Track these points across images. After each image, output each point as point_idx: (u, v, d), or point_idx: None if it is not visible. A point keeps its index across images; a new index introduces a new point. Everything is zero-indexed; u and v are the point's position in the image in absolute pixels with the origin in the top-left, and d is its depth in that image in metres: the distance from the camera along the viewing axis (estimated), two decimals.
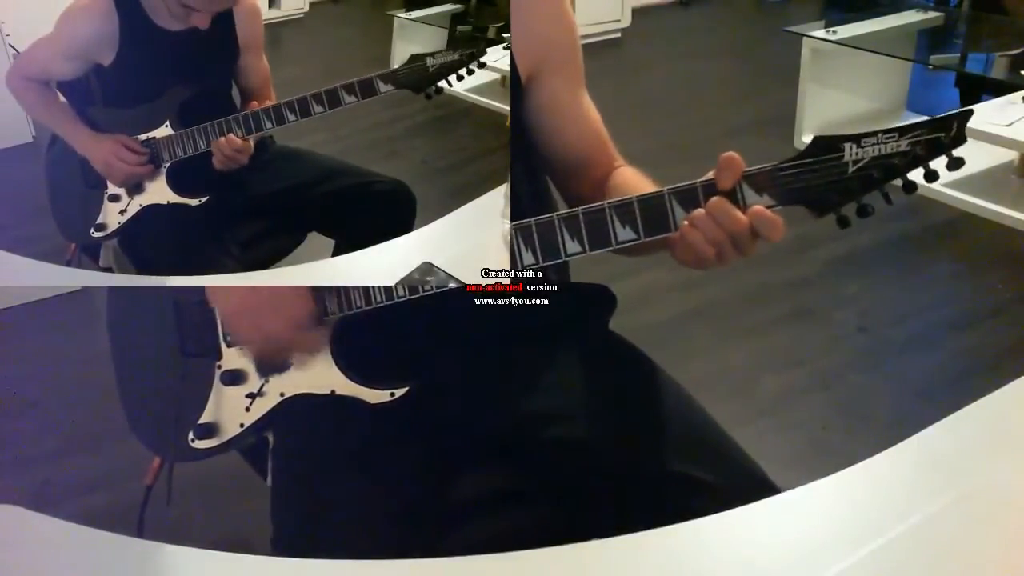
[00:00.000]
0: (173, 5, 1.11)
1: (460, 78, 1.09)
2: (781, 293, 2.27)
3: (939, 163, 0.68)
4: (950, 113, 0.67)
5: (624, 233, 0.75)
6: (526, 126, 0.96)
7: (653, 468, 0.86)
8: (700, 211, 0.72)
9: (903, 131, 0.67)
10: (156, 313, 0.98)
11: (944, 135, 0.66)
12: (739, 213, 0.71)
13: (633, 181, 0.94)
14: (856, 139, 0.68)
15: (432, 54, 1.08)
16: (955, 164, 0.67)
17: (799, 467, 1.61)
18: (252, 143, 1.18)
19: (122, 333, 1.03)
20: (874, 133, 0.67)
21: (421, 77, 1.09)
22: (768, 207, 0.71)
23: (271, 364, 0.91)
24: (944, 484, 0.72)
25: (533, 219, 0.76)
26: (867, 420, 1.81)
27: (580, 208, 0.76)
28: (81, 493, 1.69)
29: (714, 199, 0.71)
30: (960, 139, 0.67)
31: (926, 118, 0.68)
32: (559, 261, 0.77)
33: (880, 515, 0.69)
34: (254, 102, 1.21)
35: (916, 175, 0.68)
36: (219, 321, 0.94)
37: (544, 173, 1.00)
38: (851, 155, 0.68)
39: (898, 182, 0.69)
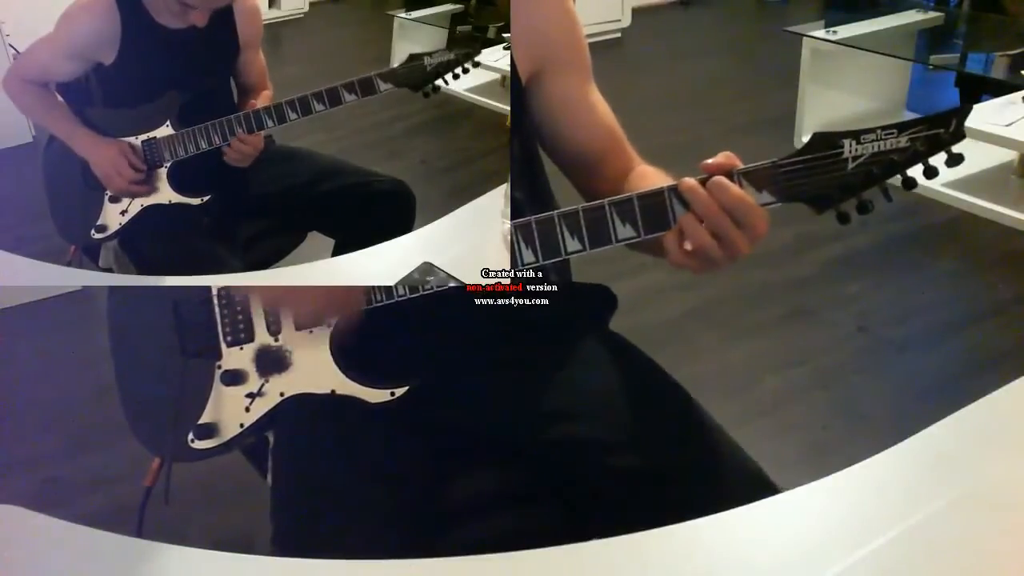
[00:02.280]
0: (172, 3, 1.10)
1: (456, 76, 1.10)
2: (781, 293, 2.27)
3: (938, 160, 0.68)
4: (949, 109, 0.67)
5: (624, 231, 0.75)
6: (537, 125, 0.96)
7: (653, 468, 0.86)
8: (702, 191, 0.71)
9: (902, 127, 0.67)
10: (158, 313, 0.98)
11: (943, 131, 0.67)
12: (737, 190, 0.71)
13: (653, 180, 0.93)
14: (855, 135, 0.68)
15: (430, 53, 1.09)
16: (954, 160, 0.67)
17: (799, 467, 1.61)
18: (261, 138, 1.19)
19: (123, 333, 1.03)
20: (873, 129, 0.68)
21: (419, 76, 1.10)
22: (768, 204, 0.71)
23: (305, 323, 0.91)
24: (944, 484, 0.71)
25: (533, 217, 0.76)
26: (867, 420, 1.81)
27: (580, 206, 0.75)
28: (81, 493, 1.70)
29: (715, 178, 0.71)
30: (959, 135, 0.67)
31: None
32: (559, 259, 0.77)
33: (880, 515, 0.69)
34: (252, 100, 1.21)
35: (916, 171, 0.68)
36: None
37: (545, 175, 1.00)
38: (850, 151, 0.68)
39: (898, 178, 0.69)
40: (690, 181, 0.72)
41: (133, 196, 1.21)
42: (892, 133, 0.67)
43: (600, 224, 0.75)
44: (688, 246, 0.73)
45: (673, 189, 0.73)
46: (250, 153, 1.18)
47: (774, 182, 0.71)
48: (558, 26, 0.95)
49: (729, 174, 0.71)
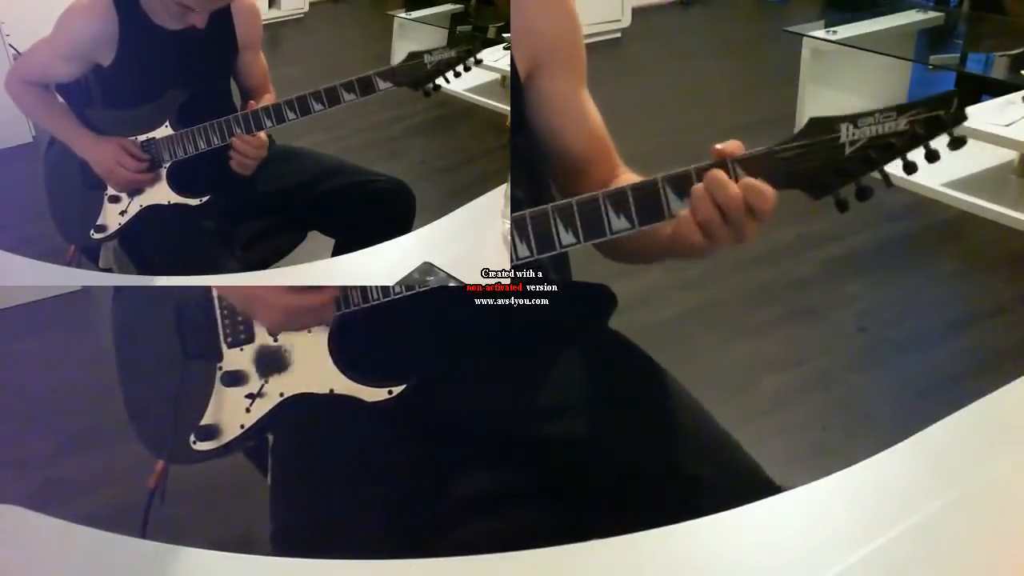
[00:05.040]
0: (170, 5, 1.11)
1: (458, 75, 1.09)
2: (781, 293, 2.27)
3: (939, 144, 0.66)
4: (949, 90, 0.65)
5: (619, 222, 0.74)
6: (528, 124, 0.96)
7: (653, 467, 0.86)
8: (698, 185, 0.71)
9: (901, 110, 0.66)
10: (161, 314, 0.98)
11: (944, 112, 0.65)
12: (734, 186, 0.69)
13: None
14: (852, 119, 0.67)
15: (430, 51, 1.08)
16: (957, 143, 0.65)
17: (799, 467, 1.61)
18: (265, 135, 1.18)
19: (127, 334, 1.03)
20: (871, 113, 0.66)
21: (419, 74, 1.09)
22: None
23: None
24: (944, 484, 0.71)
25: (527, 211, 0.76)
26: (867, 420, 1.81)
27: (574, 198, 0.75)
28: (82, 493, 1.70)
29: (712, 171, 0.70)
30: (960, 117, 0.65)
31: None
32: (554, 253, 0.76)
33: (880, 515, 0.69)
34: (252, 101, 1.21)
35: (917, 156, 0.66)
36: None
37: (546, 174, 1.00)
38: (848, 135, 0.67)
39: (899, 164, 0.67)
40: (719, 174, 0.70)
41: (137, 187, 1.21)
42: (891, 116, 0.66)
43: (594, 216, 0.74)
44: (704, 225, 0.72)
45: (667, 179, 0.73)
46: (255, 157, 1.18)
47: (770, 168, 0.70)
48: (558, 26, 0.95)
49: (724, 162, 0.71)
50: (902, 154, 0.67)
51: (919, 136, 0.65)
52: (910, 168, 0.66)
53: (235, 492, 1.42)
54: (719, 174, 0.70)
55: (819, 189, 0.69)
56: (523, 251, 0.76)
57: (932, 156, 0.66)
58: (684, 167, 0.73)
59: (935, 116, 0.65)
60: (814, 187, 0.69)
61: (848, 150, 0.67)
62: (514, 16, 0.92)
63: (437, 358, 0.92)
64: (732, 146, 0.71)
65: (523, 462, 0.89)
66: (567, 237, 0.75)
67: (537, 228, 0.76)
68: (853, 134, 0.67)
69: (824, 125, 0.68)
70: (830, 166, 0.68)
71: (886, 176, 0.68)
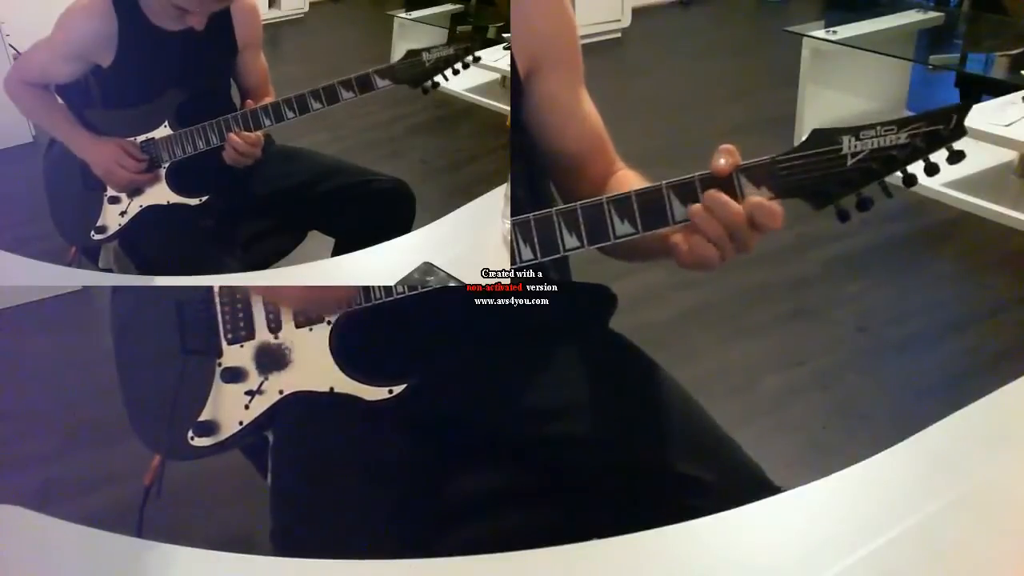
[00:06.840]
0: (168, 7, 1.11)
1: (456, 72, 1.09)
2: (781, 293, 2.27)
3: (939, 157, 0.67)
4: (949, 106, 0.67)
5: (622, 227, 0.75)
6: (526, 124, 0.96)
7: (653, 467, 0.86)
8: (697, 206, 0.71)
9: (902, 124, 0.67)
10: (161, 311, 0.98)
11: (943, 127, 0.66)
12: (736, 204, 0.70)
13: (634, 183, 0.93)
14: (855, 132, 0.68)
15: (428, 49, 1.08)
16: (955, 158, 0.67)
17: (799, 467, 1.61)
18: (262, 134, 1.18)
19: (126, 331, 1.03)
20: (873, 126, 0.68)
21: (418, 72, 1.09)
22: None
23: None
24: (944, 484, 0.72)
25: (531, 214, 0.76)
26: (867, 420, 1.81)
27: (578, 203, 0.75)
28: (81, 493, 1.70)
29: (709, 191, 0.71)
30: (959, 132, 0.66)
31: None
32: (557, 256, 0.77)
33: (880, 515, 0.69)
34: (249, 100, 1.21)
35: (917, 168, 0.68)
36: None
37: (545, 173, 1.00)
38: (849, 148, 0.68)
39: (899, 175, 0.69)
40: (719, 194, 0.71)
41: (137, 188, 1.21)
42: (891, 129, 0.67)
43: (598, 221, 0.75)
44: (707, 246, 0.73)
45: (671, 186, 0.73)
46: (248, 154, 1.18)
47: (772, 178, 0.71)
48: (554, 26, 0.95)
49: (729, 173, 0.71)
50: (902, 166, 0.68)
51: (919, 149, 0.67)
52: (910, 181, 0.68)
53: (235, 491, 1.43)
54: (718, 194, 0.70)
55: (821, 199, 0.71)
56: (527, 254, 0.77)
57: (931, 169, 0.68)
58: (688, 173, 0.73)
59: (935, 131, 0.67)
60: (816, 197, 0.70)
61: (850, 162, 0.69)
62: (513, 17, 0.92)
63: (437, 358, 0.92)
64: (730, 162, 0.71)
65: (523, 462, 0.89)
66: (571, 241, 0.76)
67: (541, 231, 0.76)
68: (855, 146, 0.68)
69: (826, 137, 0.69)
70: (832, 177, 0.69)
71: (886, 187, 0.69)
